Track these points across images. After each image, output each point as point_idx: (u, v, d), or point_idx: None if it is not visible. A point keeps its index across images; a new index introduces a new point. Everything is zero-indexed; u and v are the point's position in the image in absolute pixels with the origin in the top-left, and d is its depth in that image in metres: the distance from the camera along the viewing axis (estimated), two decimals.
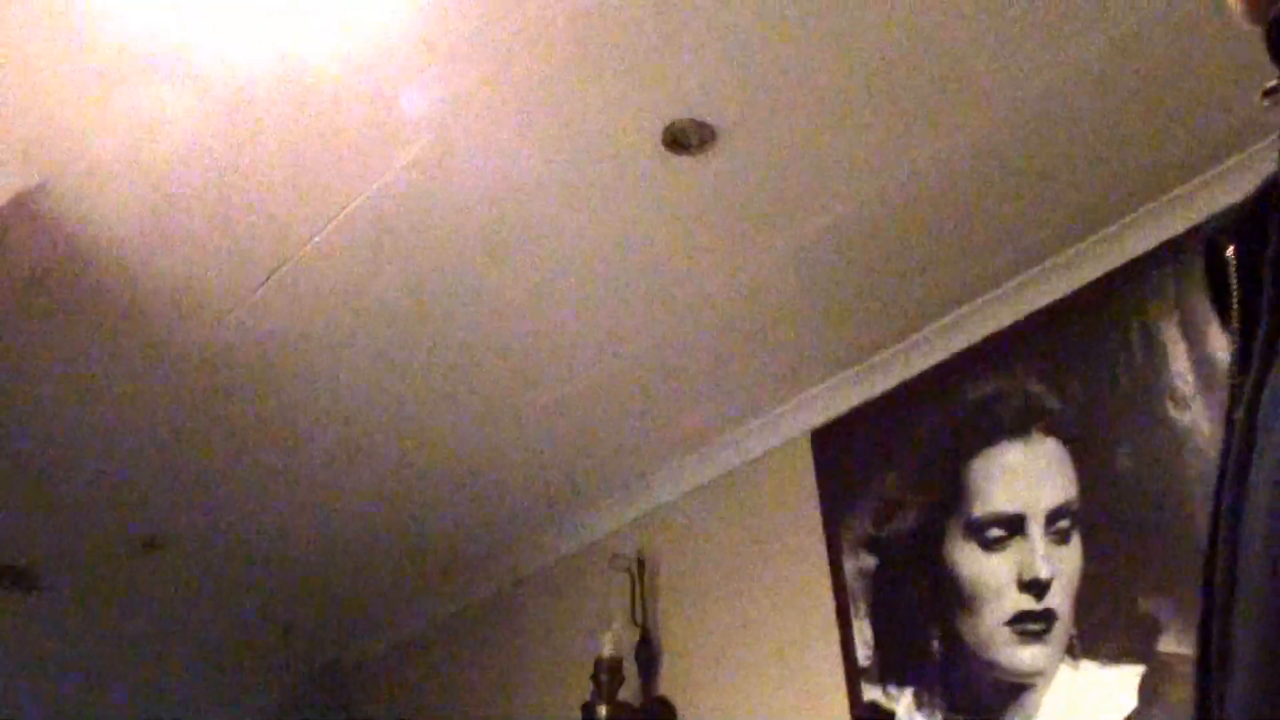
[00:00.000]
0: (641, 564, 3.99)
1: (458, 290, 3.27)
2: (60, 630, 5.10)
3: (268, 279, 3.25)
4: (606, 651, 3.81)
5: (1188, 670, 2.64)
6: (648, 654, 3.90)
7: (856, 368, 3.56)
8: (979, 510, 3.19)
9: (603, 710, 3.77)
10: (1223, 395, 2.71)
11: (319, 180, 2.91)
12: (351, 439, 3.90)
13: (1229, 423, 0.73)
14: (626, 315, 3.35)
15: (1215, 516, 0.72)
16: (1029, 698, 2.97)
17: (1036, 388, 3.17)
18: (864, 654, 3.34)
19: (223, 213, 3.02)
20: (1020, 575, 3.06)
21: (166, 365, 3.56)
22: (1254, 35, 0.89)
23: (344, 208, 3.00)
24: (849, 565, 3.44)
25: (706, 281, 3.25)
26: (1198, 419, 2.84)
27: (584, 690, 3.82)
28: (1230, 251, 0.77)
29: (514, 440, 3.91)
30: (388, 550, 4.51)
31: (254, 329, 3.41)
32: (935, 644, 3.19)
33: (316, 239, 3.10)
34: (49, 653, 5.29)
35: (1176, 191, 2.97)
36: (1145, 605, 2.81)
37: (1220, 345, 2.86)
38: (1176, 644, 2.73)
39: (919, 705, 3.17)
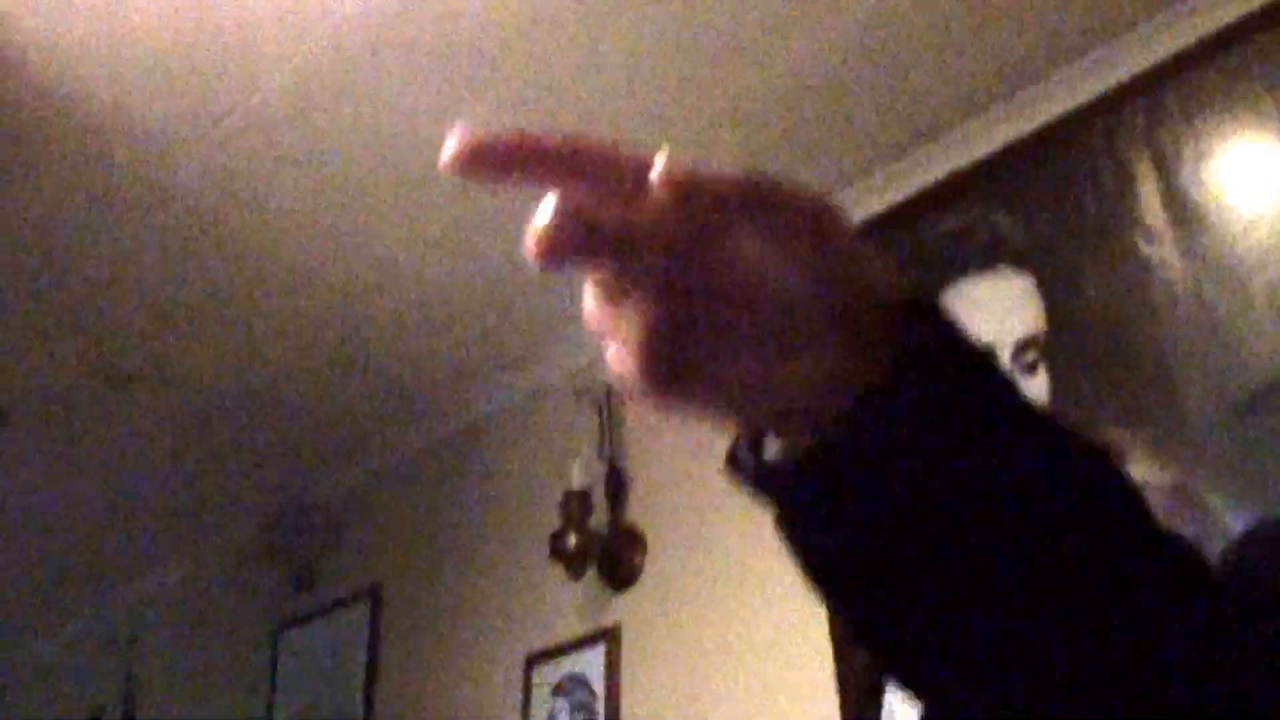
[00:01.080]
0: (609, 397, 4.03)
1: (421, 120, 3.26)
2: (28, 466, 5.12)
3: (230, 113, 3.23)
4: (575, 483, 3.87)
5: (1153, 497, 2.71)
6: (616, 485, 3.96)
7: None
8: None
9: (572, 540, 3.84)
10: (1191, 230, 2.75)
11: (279, 13, 2.88)
12: (316, 275, 3.91)
13: None
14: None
15: None
16: None
17: (1004, 221, 3.20)
18: None
19: (185, 45, 2.99)
20: None
21: (127, 200, 3.54)
22: None
23: (304, 42, 2.97)
24: None
25: (672, 126, 3.24)
26: (1167, 253, 2.88)
27: (553, 522, 3.89)
28: None
29: (478, 273, 3.91)
30: (354, 385, 4.54)
31: (215, 163, 3.40)
32: None
33: (278, 75, 3.08)
34: (17, 488, 5.32)
35: (1147, 24, 2.98)
36: (1111, 434, 2.87)
37: (1191, 179, 2.89)
38: (1141, 472, 2.80)
39: None
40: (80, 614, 6.53)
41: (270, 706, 5.14)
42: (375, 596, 4.80)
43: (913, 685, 0.67)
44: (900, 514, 0.62)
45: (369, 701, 4.68)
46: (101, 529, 5.64)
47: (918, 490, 0.62)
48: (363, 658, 4.75)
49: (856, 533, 0.64)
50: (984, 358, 0.66)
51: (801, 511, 0.67)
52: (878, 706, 3.12)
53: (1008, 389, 0.66)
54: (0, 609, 6.55)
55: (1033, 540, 0.62)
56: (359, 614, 4.83)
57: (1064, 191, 3.09)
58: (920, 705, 0.68)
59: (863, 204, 3.51)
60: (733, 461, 0.68)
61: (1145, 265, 2.90)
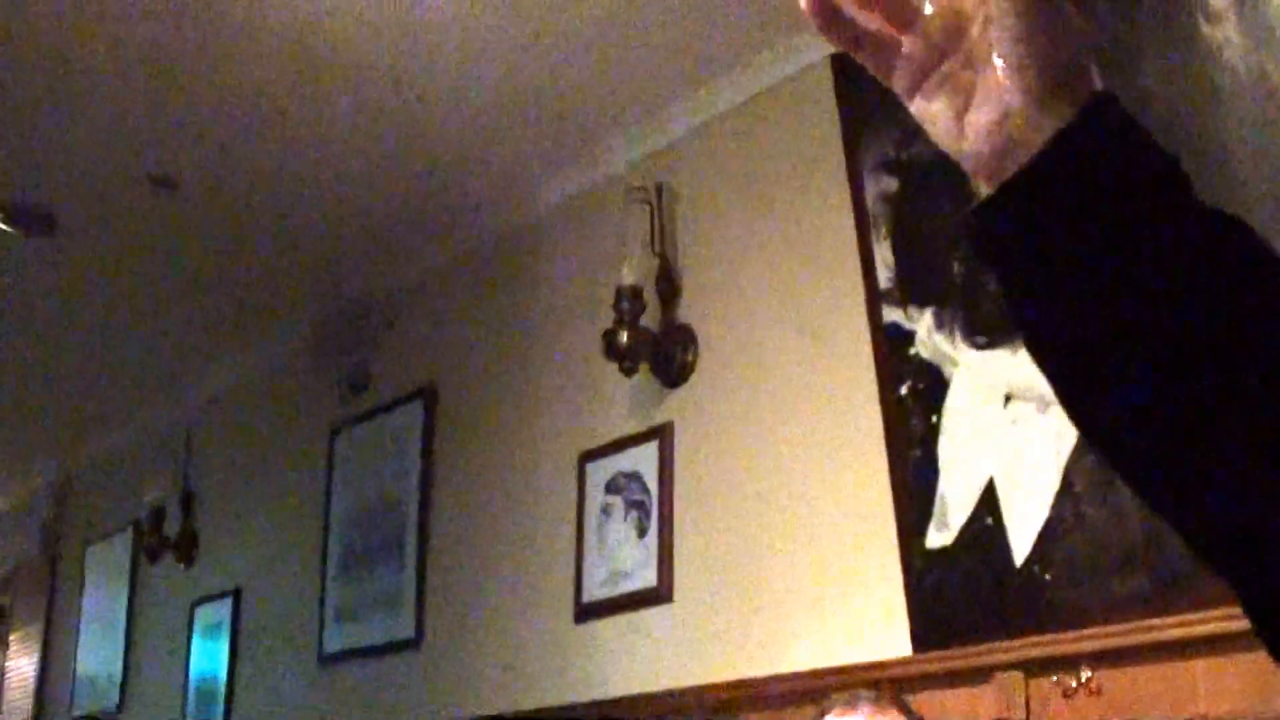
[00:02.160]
0: (660, 195, 3.99)
1: None
2: (80, 271, 5.16)
3: None
4: (627, 280, 3.85)
5: None
6: (668, 282, 3.94)
7: None
8: None
9: (624, 337, 3.84)
10: (1255, 8, 2.66)
11: None
12: (369, 72, 3.86)
13: None
14: None
15: None
16: None
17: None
18: (885, 276, 3.37)
19: None
20: None
21: None
22: None
23: None
24: (870, 188, 3.43)
25: None
26: (1230, 34, 2.79)
27: (606, 319, 3.88)
28: None
29: (533, 71, 3.86)
30: (408, 184, 4.51)
31: None
32: (956, 266, 3.21)
33: None
34: (70, 293, 5.36)
35: None
36: None
37: None
38: None
39: (939, 326, 3.22)
40: (137, 417, 6.64)
41: (326, 506, 5.23)
42: (429, 396, 4.84)
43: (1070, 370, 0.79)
44: (1081, 238, 0.76)
45: (424, 501, 4.75)
46: (156, 333, 5.69)
47: (1100, 220, 0.76)
48: (417, 458, 4.81)
49: (1048, 248, 0.77)
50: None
51: (1002, 229, 0.79)
52: (929, 505, 3.13)
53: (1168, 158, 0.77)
54: (58, 413, 6.66)
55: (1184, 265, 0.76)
56: (413, 414, 4.87)
57: None
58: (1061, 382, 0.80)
59: None
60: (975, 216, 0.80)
61: (1206, 48, 2.82)
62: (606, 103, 4.01)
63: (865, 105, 3.49)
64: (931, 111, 0.80)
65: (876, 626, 3.22)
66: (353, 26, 3.65)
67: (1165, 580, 2.66)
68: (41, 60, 3.77)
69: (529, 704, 4.12)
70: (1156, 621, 2.65)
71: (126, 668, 6.54)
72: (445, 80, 3.92)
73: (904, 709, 2.46)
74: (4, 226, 4.72)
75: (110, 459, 7.01)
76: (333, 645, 5.05)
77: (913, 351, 3.26)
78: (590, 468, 4.08)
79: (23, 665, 7.74)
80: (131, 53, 3.74)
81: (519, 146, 4.27)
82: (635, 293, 3.84)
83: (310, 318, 5.42)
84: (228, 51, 3.75)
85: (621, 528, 3.93)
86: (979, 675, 2.94)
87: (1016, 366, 3.03)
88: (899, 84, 0.81)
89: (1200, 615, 2.54)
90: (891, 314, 3.32)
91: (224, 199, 4.60)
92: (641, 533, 3.86)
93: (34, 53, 3.73)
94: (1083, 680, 2.73)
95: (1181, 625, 2.59)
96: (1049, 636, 2.82)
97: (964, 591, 3.04)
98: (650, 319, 3.88)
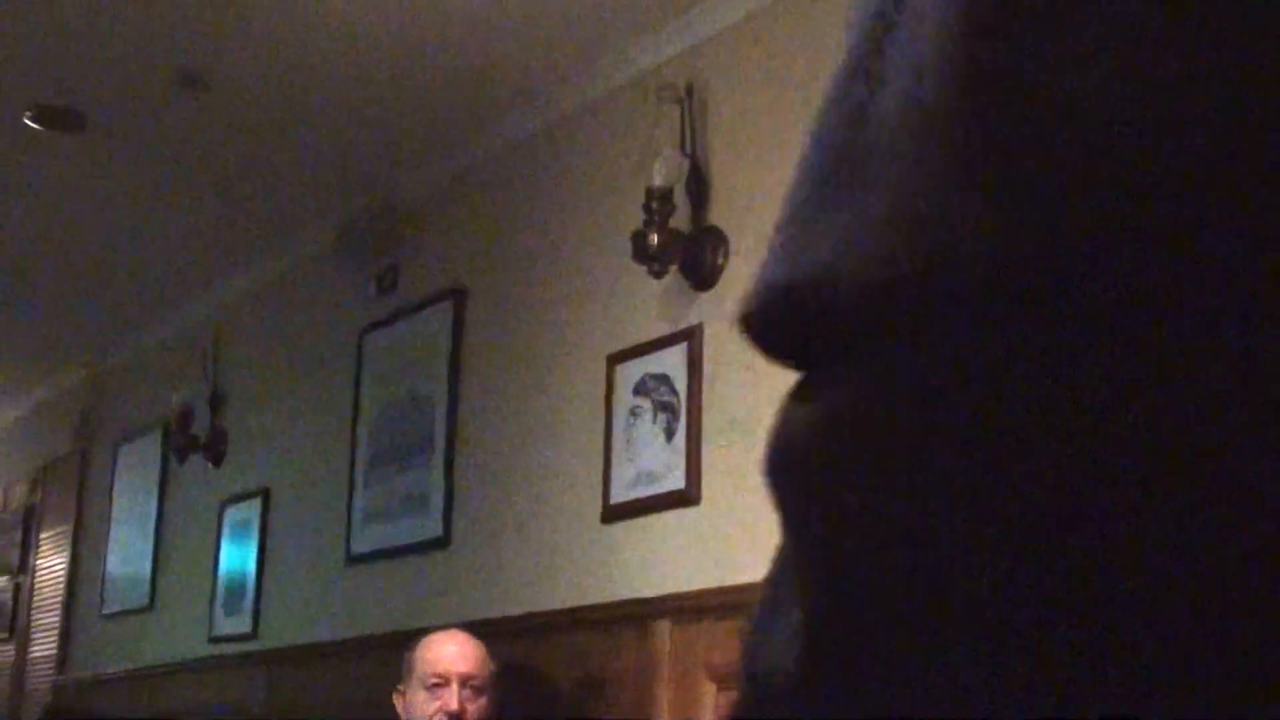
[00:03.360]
0: (690, 94, 3.95)
1: None
2: (109, 170, 5.15)
3: None
4: (656, 180, 3.81)
5: None
6: (699, 184, 3.91)
7: None
8: None
9: (654, 238, 3.81)
10: None
11: None
12: None
13: None
14: None
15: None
16: None
17: None
18: None
19: None
20: None
21: None
22: None
23: None
24: None
25: None
26: None
27: (635, 221, 3.85)
28: None
29: None
30: (434, 84, 4.48)
31: None
32: None
33: None
34: (99, 193, 5.36)
35: None
36: None
37: None
38: None
39: None
40: (166, 316, 6.65)
41: (355, 407, 5.24)
42: (457, 297, 4.83)
43: None
44: None
45: (452, 401, 4.75)
46: (183, 233, 5.69)
47: None
48: (446, 358, 4.80)
49: None
50: None
51: None
52: None
53: None
54: (89, 311, 6.69)
55: None
56: (441, 314, 4.87)
57: None
58: None
59: None
60: None
61: None
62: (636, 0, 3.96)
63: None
64: None
65: None
66: None
67: None
68: None
69: (555, 604, 4.14)
70: None
71: (156, 567, 6.60)
72: None
73: None
74: (34, 125, 4.71)
75: (140, 358, 7.04)
76: (361, 546, 5.08)
77: None
78: (619, 369, 4.08)
79: (54, 563, 7.82)
80: None
81: (547, 45, 4.22)
82: (665, 194, 3.80)
83: (338, 219, 5.40)
84: None
85: (649, 429, 3.92)
86: None
87: None
88: None
89: None
90: None
91: (251, 99, 4.58)
92: (670, 435, 3.86)
93: None
94: None
95: None
96: None
97: None
98: (680, 219, 3.86)
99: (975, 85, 0.47)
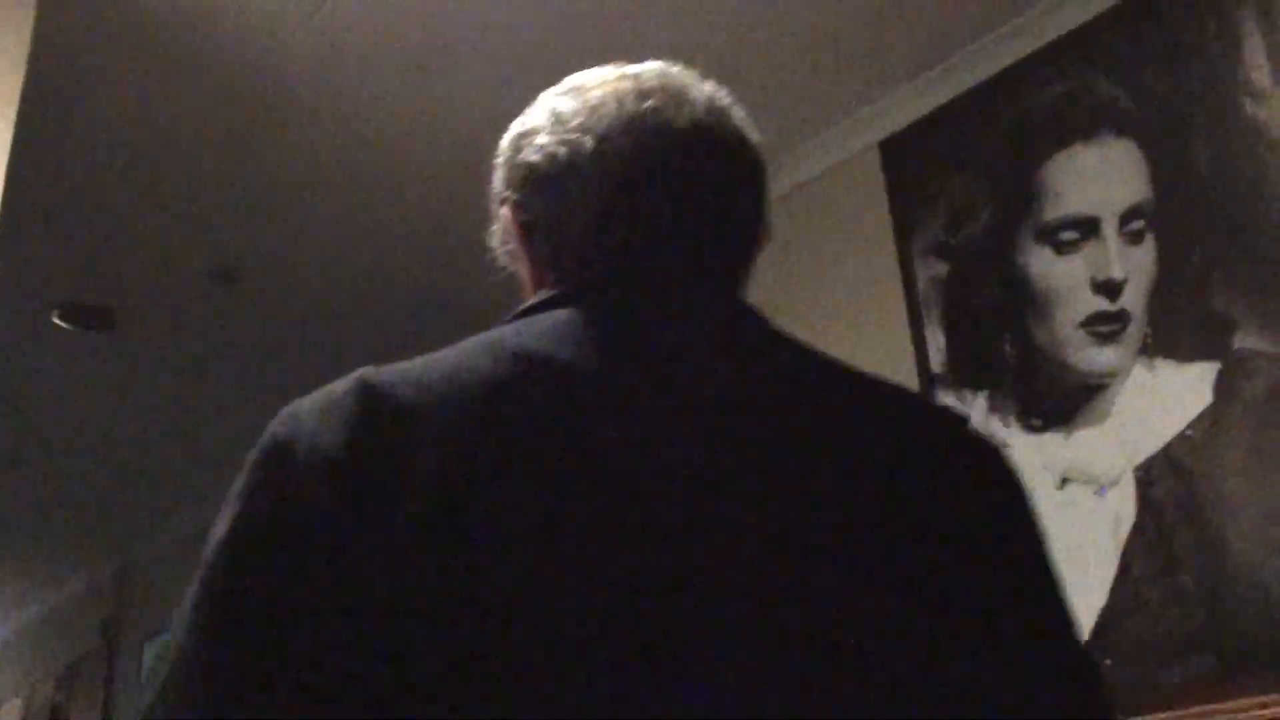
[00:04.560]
0: None
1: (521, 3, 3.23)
2: (141, 368, 5.20)
3: None
4: None
5: (1262, 365, 2.66)
6: None
7: (925, 74, 3.50)
8: (1051, 214, 3.17)
9: None
10: None
11: None
12: (424, 164, 3.90)
13: None
14: (689, 26, 3.30)
15: None
16: (1103, 398, 3.00)
17: (1108, 88, 3.12)
18: (937, 360, 3.36)
19: None
20: (1094, 277, 3.06)
21: (231, 94, 3.55)
22: None
23: None
24: (921, 273, 3.44)
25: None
26: (1275, 112, 2.79)
27: None
28: None
29: None
30: (463, 272, 4.53)
31: (317, 50, 3.39)
32: (1008, 348, 3.20)
33: None
34: (131, 390, 5.40)
35: None
36: (1220, 302, 2.81)
37: None
38: (1252, 340, 2.73)
39: (993, 409, 3.20)
40: (196, 511, 6.67)
41: None
42: None
43: None
44: None
45: None
46: (213, 427, 5.72)
47: None
48: None
49: None
50: None
51: None
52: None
53: None
54: (117, 508, 6.69)
55: None
56: None
57: (1167, 54, 3.00)
58: None
59: (965, 71, 3.43)
60: None
61: (1252, 126, 2.82)
62: None
63: (914, 190, 3.51)
64: None
65: None
66: (404, 119, 3.69)
67: (1230, 664, 2.62)
68: (100, 158, 3.82)
69: None
70: (1220, 705, 2.60)
71: None
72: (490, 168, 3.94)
73: None
74: (64, 324, 4.76)
75: (169, 554, 7.03)
76: None
77: None
78: None
79: None
80: (192, 149, 3.79)
81: None
82: None
83: None
84: (290, 145, 3.79)
85: None
86: None
87: (1071, 449, 3.02)
88: None
89: (1264, 699, 2.50)
90: (945, 397, 3.31)
91: (284, 291, 4.63)
92: None
93: (92, 150, 3.78)
94: None
95: (1244, 709, 2.55)
96: None
97: None
98: None
99: None
